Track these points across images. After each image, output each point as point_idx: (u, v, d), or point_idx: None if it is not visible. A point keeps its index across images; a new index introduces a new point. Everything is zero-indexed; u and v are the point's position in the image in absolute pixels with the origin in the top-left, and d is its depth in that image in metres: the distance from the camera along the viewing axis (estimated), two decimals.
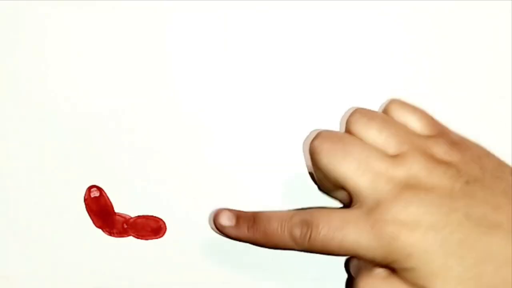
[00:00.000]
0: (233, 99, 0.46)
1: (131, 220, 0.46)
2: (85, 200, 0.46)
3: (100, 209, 0.46)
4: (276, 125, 0.46)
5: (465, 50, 0.44)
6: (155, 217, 0.46)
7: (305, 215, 0.39)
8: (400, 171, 0.37)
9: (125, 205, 0.47)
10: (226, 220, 0.42)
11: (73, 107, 0.46)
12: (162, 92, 0.46)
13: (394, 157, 0.38)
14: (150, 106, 0.46)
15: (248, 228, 0.41)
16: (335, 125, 0.45)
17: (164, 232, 0.46)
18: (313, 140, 0.40)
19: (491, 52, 0.44)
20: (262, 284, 0.47)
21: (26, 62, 0.46)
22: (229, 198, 0.46)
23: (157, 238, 0.46)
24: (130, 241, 0.47)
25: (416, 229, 0.35)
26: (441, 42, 0.44)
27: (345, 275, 0.45)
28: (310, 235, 0.38)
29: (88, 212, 0.46)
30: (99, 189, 0.46)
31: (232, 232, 0.42)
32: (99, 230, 0.47)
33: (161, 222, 0.46)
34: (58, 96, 0.46)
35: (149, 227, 0.46)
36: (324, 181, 0.41)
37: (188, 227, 0.46)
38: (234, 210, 0.43)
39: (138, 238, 0.47)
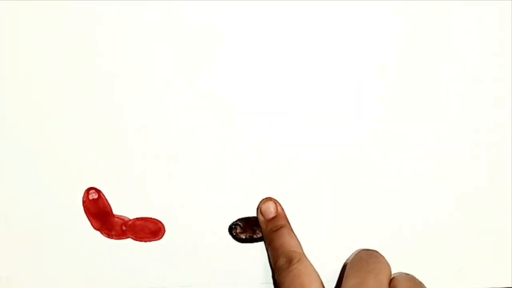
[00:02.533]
0: (231, 100, 0.45)
1: (130, 222, 0.46)
2: (83, 202, 0.46)
3: (98, 211, 0.46)
4: (275, 126, 0.45)
5: (465, 50, 0.44)
6: (154, 219, 0.46)
7: (295, 256, 0.42)
8: None
9: (123, 207, 0.46)
10: (266, 210, 0.46)
11: (72, 109, 0.46)
12: (161, 95, 0.45)
13: None
14: (149, 108, 0.45)
15: (270, 230, 0.45)
16: (334, 124, 0.45)
17: (163, 234, 0.46)
18: None
19: (491, 51, 0.43)
20: (261, 285, 0.47)
21: (25, 62, 0.45)
22: (227, 199, 0.46)
23: (155, 240, 0.46)
24: (128, 243, 0.47)
25: None
26: (441, 42, 0.44)
27: None
28: (284, 271, 0.42)
29: (86, 214, 0.46)
30: (98, 191, 0.46)
31: (261, 221, 0.46)
32: (98, 232, 0.47)
33: (160, 224, 0.46)
34: (58, 97, 0.46)
35: (148, 229, 0.46)
36: None
37: (187, 229, 0.46)
38: (279, 207, 0.46)
39: (136, 240, 0.46)
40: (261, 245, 0.46)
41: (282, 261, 0.43)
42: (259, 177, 0.46)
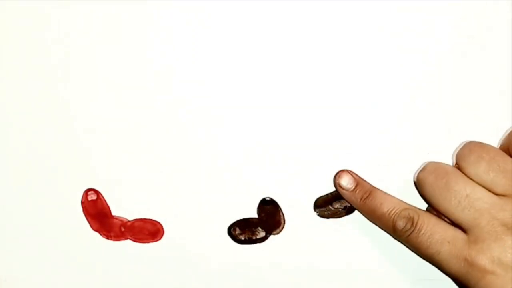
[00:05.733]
0: (231, 101, 0.45)
1: (129, 223, 0.46)
2: (82, 203, 0.46)
3: (97, 212, 0.46)
4: (275, 127, 0.45)
5: (465, 50, 0.44)
6: (152, 220, 0.46)
7: (414, 214, 0.41)
8: (504, 213, 0.38)
9: (122, 208, 0.46)
10: (345, 183, 0.44)
11: (71, 110, 0.46)
12: (160, 96, 0.45)
13: (500, 197, 0.39)
14: (148, 109, 0.45)
15: (361, 199, 0.44)
16: (336, 125, 0.45)
17: (162, 235, 0.46)
18: (419, 172, 0.42)
19: (491, 52, 0.43)
20: (260, 286, 0.47)
21: (25, 63, 0.46)
22: (226, 200, 0.46)
23: (154, 241, 0.46)
24: (127, 245, 0.46)
25: (506, 275, 0.37)
26: (441, 42, 0.44)
27: None
28: (410, 233, 0.41)
29: (85, 215, 0.46)
30: (96, 192, 0.46)
31: (347, 195, 0.45)
32: (97, 234, 0.46)
33: (158, 225, 0.46)
34: (57, 98, 0.46)
35: (147, 230, 0.46)
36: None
37: (186, 230, 0.46)
38: (356, 175, 0.45)
39: (135, 241, 0.46)
40: (260, 246, 0.46)
41: (401, 224, 0.41)
42: (258, 178, 0.46)
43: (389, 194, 0.44)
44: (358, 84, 0.44)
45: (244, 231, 0.46)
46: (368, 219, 0.45)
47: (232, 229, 0.46)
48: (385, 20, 0.44)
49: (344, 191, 0.44)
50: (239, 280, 0.47)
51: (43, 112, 0.46)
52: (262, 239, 0.46)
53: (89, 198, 0.46)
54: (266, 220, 0.46)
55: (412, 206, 0.43)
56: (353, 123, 0.45)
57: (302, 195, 0.46)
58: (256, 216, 0.46)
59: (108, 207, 0.46)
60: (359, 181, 0.44)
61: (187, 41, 0.45)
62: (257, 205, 0.46)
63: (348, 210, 0.45)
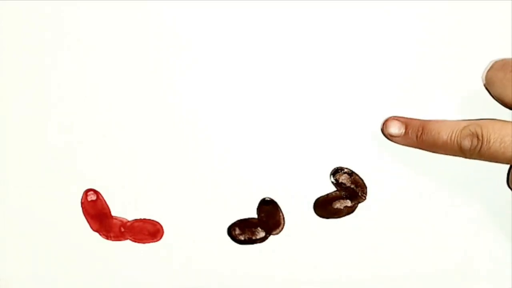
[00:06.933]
0: (231, 101, 0.45)
1: (128, 223, 0.46)
2: (82, 203, 0.46)
3: (97, 213, 0.46)
4: (275, 128, 0.45)
5: (465, 50, 0.44)
6: (152, 220, 0.46)
7: (476, 128, 0.40)
8: None
9: (122, 208, 0.46)
10: (395, 130, 0.43)
11: (71, 110, 0.46)
12: (160, 97, 0.45)
13: None
14: (148, 109, 0.45)
15: (417, 137, 0.42)
16: (335, 125, 0.45)
17: (162, 236, 0.46)
18: (487, 71, 0.42)
19: (491, 52, 0.43)
20: (260, 286, 0.47)
21: (25, 63, 0.45)
22: (226, 201, 0.46)
23: (154, 241, 0.46)
24: (127, 245, 0.46)
25: None
26: (441, 42, 0.44)
27: None
28: (480, 148, 0.39)
29: (85, 216, 0.46)
30: (96, 192, 0.46)
31: (401, 141, 0.44)
32: (96, 234, 0.46)
33: (158, 226, 0.46)
34: (56, 98, 0.46)
35: (147, 231, 0.46)
36: None
37: (186, 231, 0.46)
38: (403, 118, 0.44)
39: (135, 241, 0.46)
40: (260, 247, 0.46)
41: (467, 144, 0.40)
42: (258, 178, 0.46)
43: (442, 120, 0.42)
44: (358, 84, 0.44)
45: (244, 231, 0.46)
46: (433, 152, 0.43)
47: (232, 229, 0.46)
48: (385, 20, 0.44)
49: (397, 139, 0.43)
50: (239, 281, 0.46)
51: (43, 112, 0.46)
52: (262, 239, 0.46)
53: (89, 199, 0.46)
54: (266, 220, 0.46)
55: (470, 120, 0.41)
56: (353, 123, 0.45)
57: (302, 195, 0.46)
58: (256, 216, 0.46)
59: (108, 207, 0.46)
60: (407, 122, 0.43)
61: (187, 41, 0.45)
62: (257, 205, 0.46)
63: (348, 210, 0.45)
